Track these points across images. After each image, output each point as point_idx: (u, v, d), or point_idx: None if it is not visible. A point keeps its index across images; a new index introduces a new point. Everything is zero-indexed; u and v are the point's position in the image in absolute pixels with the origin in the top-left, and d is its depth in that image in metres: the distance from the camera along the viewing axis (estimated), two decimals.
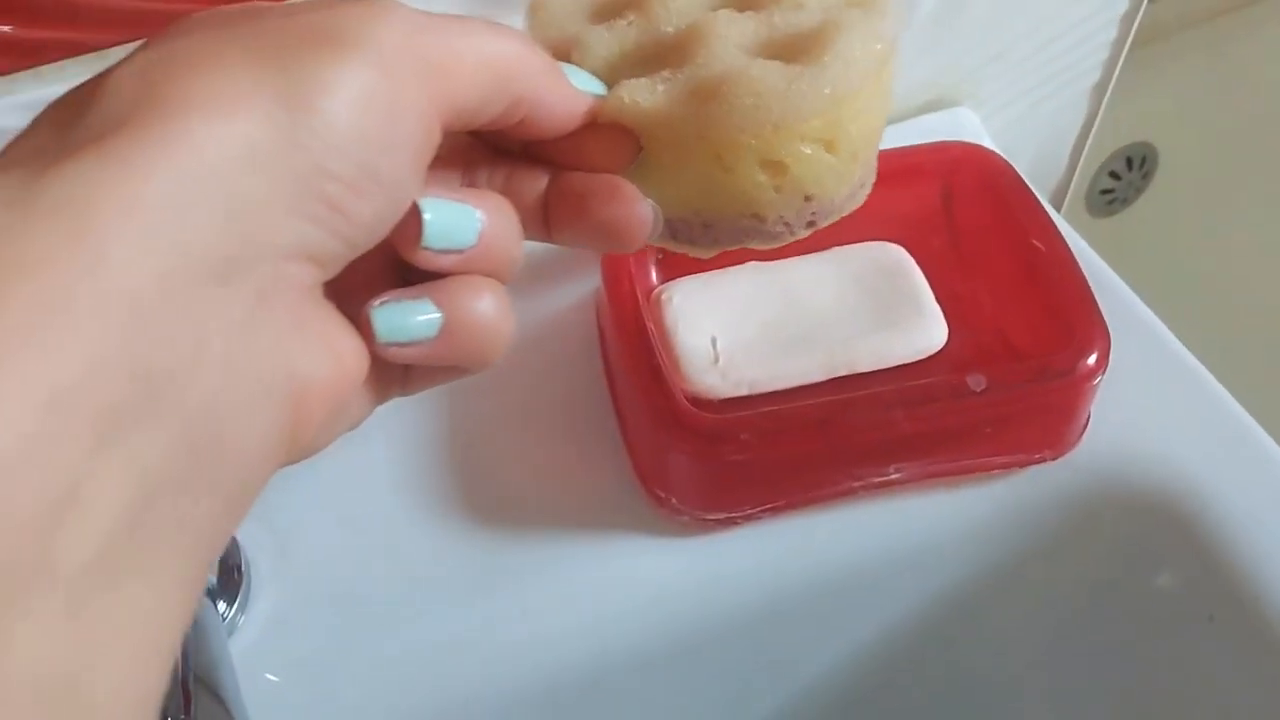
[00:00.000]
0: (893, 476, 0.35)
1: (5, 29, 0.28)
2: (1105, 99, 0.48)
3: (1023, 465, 0.36)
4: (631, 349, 0.35)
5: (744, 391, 0.35)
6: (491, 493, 0.36)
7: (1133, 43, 0.47)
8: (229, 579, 0.34)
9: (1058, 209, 0.56)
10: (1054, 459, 0.36)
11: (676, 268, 0.38)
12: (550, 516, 0.36)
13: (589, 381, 0.39)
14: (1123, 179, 0.74)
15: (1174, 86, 0.68)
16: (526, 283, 0.41)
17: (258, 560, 0.35)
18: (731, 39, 0.25)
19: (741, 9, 0.25)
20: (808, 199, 0.25)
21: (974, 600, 0.39)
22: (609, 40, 0.26)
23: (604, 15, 0.26)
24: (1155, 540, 0.36)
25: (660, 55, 0.25)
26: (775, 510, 0.35)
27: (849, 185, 0.26)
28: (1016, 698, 0.43)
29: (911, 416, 0.33)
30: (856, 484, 0.35)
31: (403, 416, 0.38)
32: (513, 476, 0.37)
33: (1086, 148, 0.53)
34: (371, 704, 0.33)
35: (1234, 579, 0.34)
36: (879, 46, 0.24)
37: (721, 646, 0.37)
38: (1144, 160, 0.74)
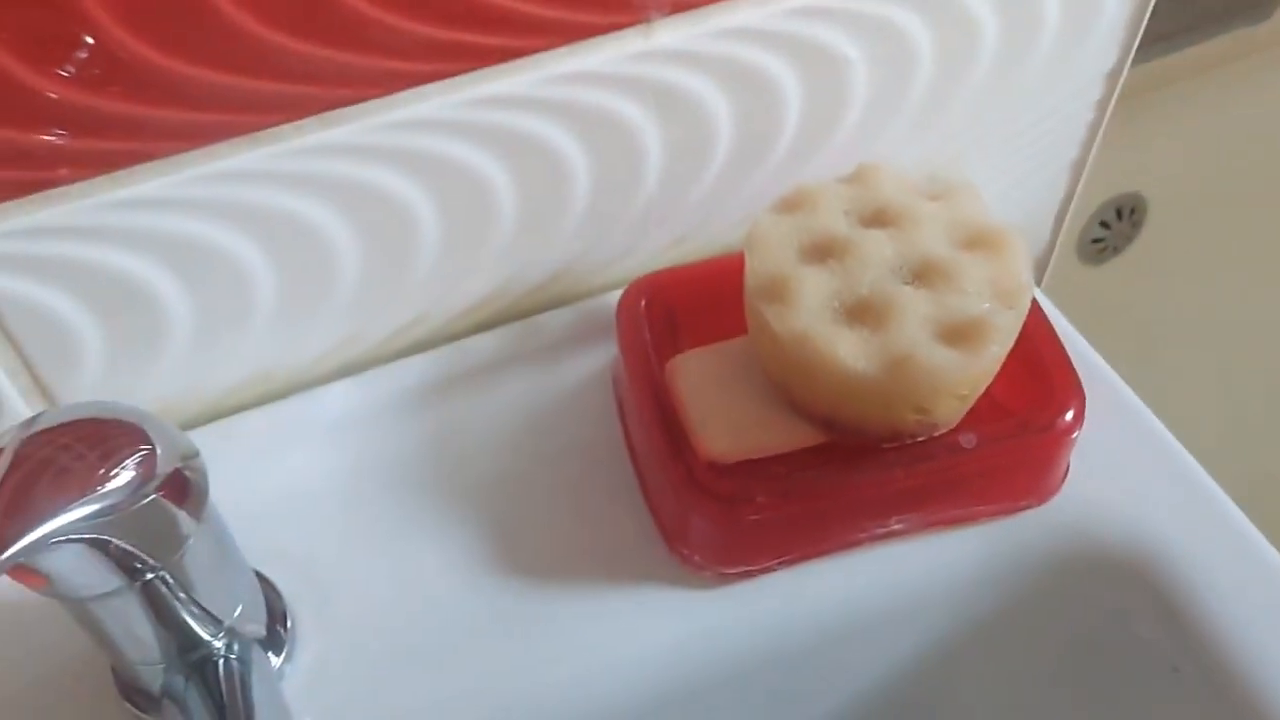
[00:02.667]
0: (894, 527, 0.39)
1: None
2: (1090, 160, 0.52)
3: (1009, 513, 0.40)
4: (652, 418, 0.38)
5: (756, 455, 0.38)
6: (524, 549, 0.39)
7: (1120, 95, 0.50)
8: (275, 632, 0.37)
9: (1045, 265, 0.59)
10: (1038, 505, 0.40)
11: (689, 339, 0.42)
12: (580, 571, 0.39)
13: (609, 447, 0.42)
14: (1112, 228, 0.77)
15: (1161, 138, 0.72)
16: (544, 355, 0.44)
17: (300, 612, 0.38)
18: (915, 316, 0.35)
19: (915, 276, 0.36)
20: (932, 425, 0.37)
21: (964, 643, 0.42)
22: (816, 283, 0.36)
23: (809, 257, 0.37)
24: (1123, 586, 0.39)
25: (858, 309, 0.35)
26: (789, 562, 0.38)
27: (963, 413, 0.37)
28: None
29: (911, 473, 0.37)
30: (862, 535, 0.38)
31: (439, 474, 0.41)
32: (543, 534, 0.40)
33: (1072, 208, 0.56)
34: None
35: (1195, 630, 0.37)
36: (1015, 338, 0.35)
37: (737, 687, 0.40)
38: (1133, 210, 0.78)
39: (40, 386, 0.38)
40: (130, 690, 0.35)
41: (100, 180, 0.33)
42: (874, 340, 0.35)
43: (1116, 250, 0.80)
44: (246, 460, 0.41)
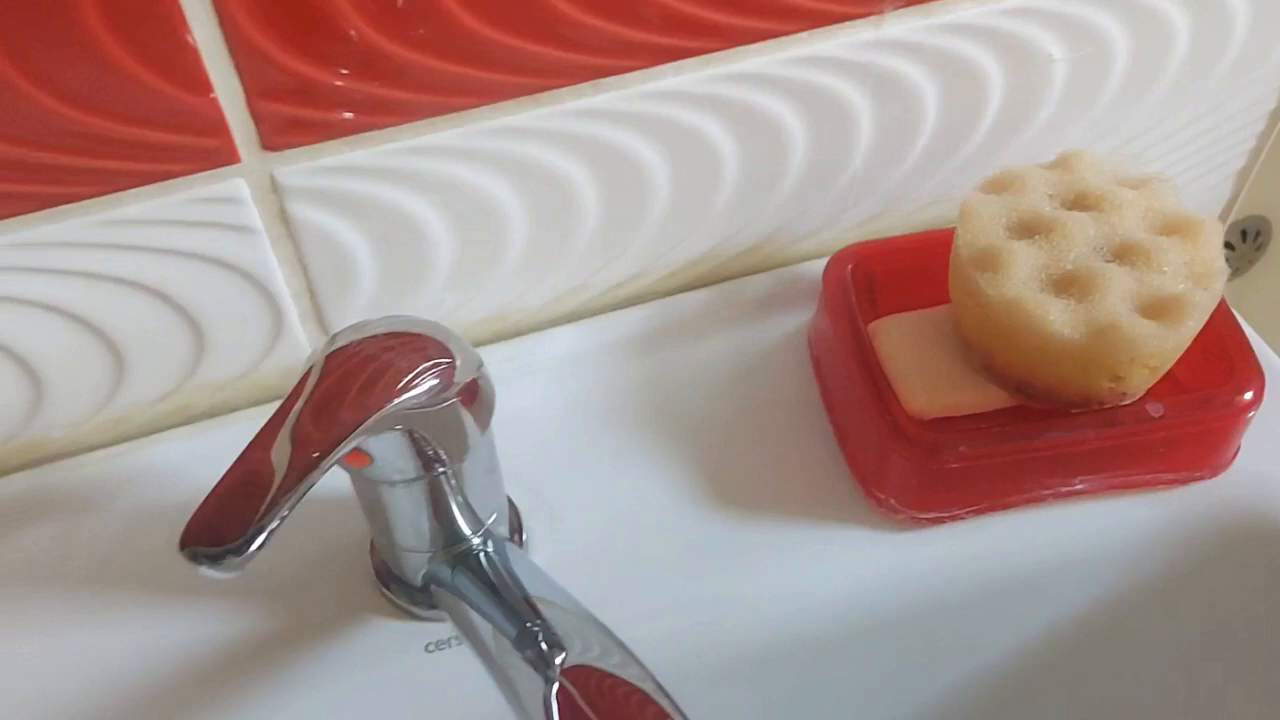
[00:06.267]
0: (1076, 487, 0.42)
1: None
2: (1255, 170, 0.55)
3: (1183, 482, 0.43)
4: (857, 371, 0.42)
5: (951, 414, 0.42)
6: (729, 487, 0.43)
7: None
8: (513, 542, 0.41)
9: None
10: (1210, 478, 0.43)
11: (885, 306, 0.45)
12: (780, 509, 0.43)
13: (804, 401, 0.46)
14: (1236, 249, 0.79)
15: None
16: (746, 315, 0.48)
17: (532, 527, 0.42)
18: (1118, 289, 0.38)
19: (1115, 256, 0.39)
20: (1123, 393, 0.40)
21: (1127, 606, 0.45)
22: (1025, 255, 0.39)
23: (1017, 232, 0.40)
24: None
25: (1064, 281, 0.39)
26: (977, 512, 0.42)
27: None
28: (1158, 704, 0.49)
29: (1100, 436, 0.40)
30: (1046, 492, 0.42)
31: (651, 415, 0.45)
32: (746, 475, 0.44)
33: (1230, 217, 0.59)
34: None
35: None
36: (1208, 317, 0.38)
37: (916, 628, 0.43)
38: (1258, 233, 0.79)
39: (317, 313, 0.43)
40: (389, 580, 0.40)
41: (404, 128, 0.38)
42: (1079, 309, 0.38)
43: (1238, 272, 0.81)
44: None
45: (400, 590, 0.40)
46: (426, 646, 0.39)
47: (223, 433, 0.44)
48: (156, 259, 0.38)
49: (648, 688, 0.27)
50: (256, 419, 0.44)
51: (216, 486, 0.28)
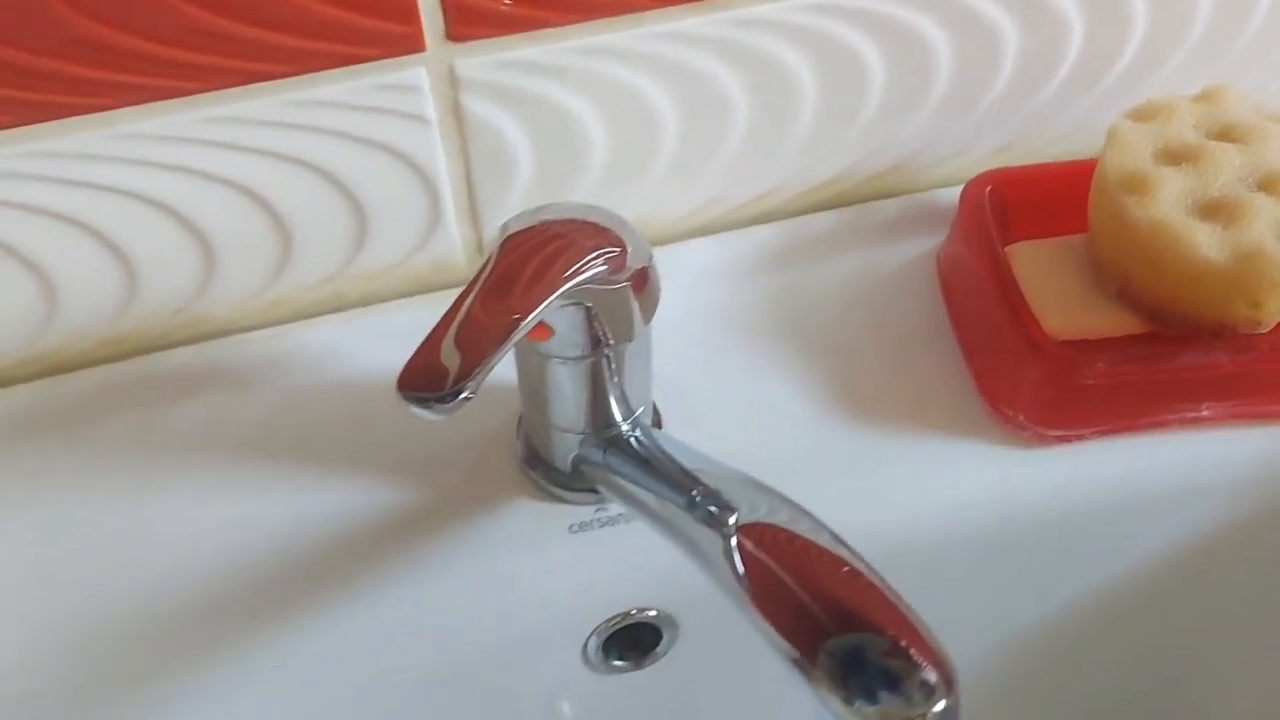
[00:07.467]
0: (1202, 413, 0.43)
1: None
2: None
3: None
4: (992, 290, 0.43)
5: (1082, 337, 0.43)
6: (859, 399, 0.44)
7: None
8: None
9: None
10: None
11: (1017, 233, 0.46)
12: (909, 422, 0.44)
13: (931, 322, 0.47)
14: None
15: None
16: (876, 236, 0.50)
17: (670, 426, 0.44)
18: (1264, 217, 0.39)
19: (1260, 186, 0.40)
20: (1258, 321, 0.41)
21: (1245, 536, 0.46)
22: (1172, 181, 0.40)
23: (1163, 159, 0.41)
24: None
25: (1210, 208, 0.40)
26: (1102, 433, 0.43)
27: None
28: (1263, 638, 0.50)
29: (1233, 361, 0.41)
30: (1171, 417, 0.43)
31: (782, 328, 0.46)
32: (875, 388, 0.45)
33: None
34: None
35: None
36: None
37: (1030, 545, 0.45)
38: None
39: (472, 208, 0.44)
40: (534, 463, 0.42)
41: (580, 26, 0.39)
42: (1225, 234, 0.39)
43: None
44: None
45: (546, 473, 0.41)
46: (570, 527, 0.41)
47: (373, 320, 0.46)
48: (336, 143, 0.40)
49: (823, 539, 0.29)
50: (405, 309, 0.47)
51: (428, 338, 0.30)
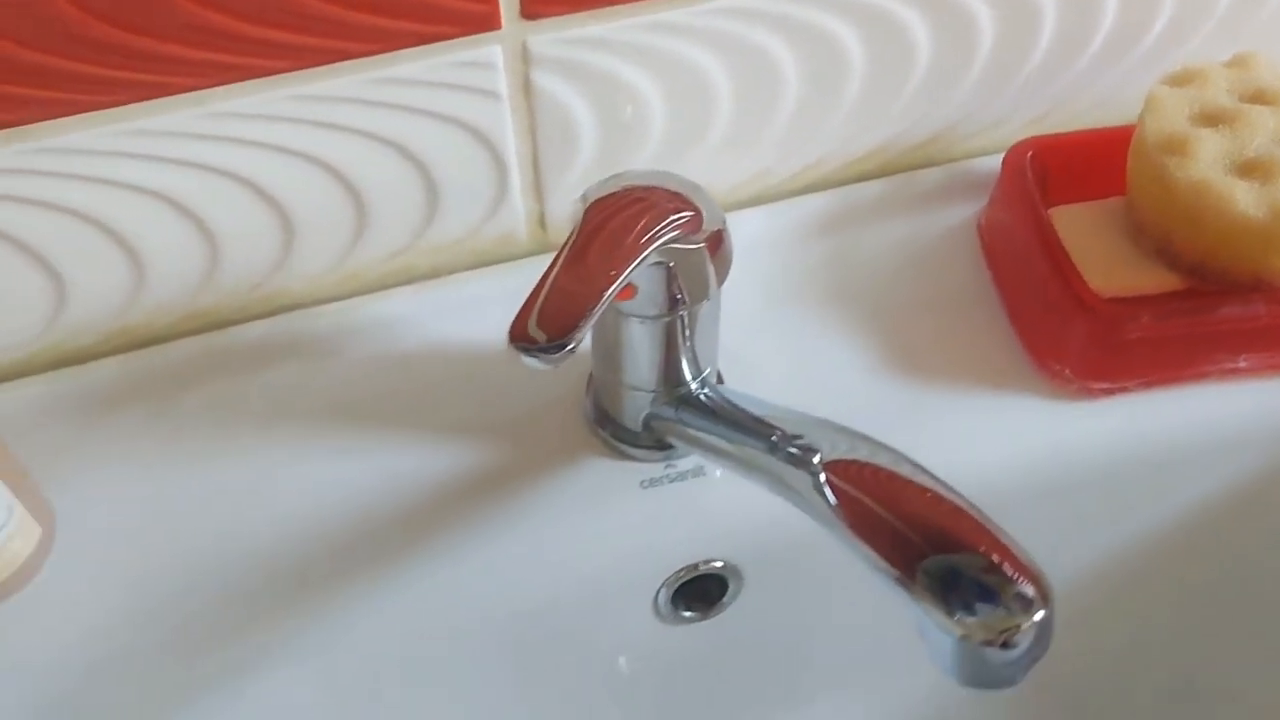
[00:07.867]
0: (1240, 364, 0.45)
1: None
2: None
3: None
4: (1036, 249, 0.45)
5: (1124, 294, 0.45)
6: (908, 358, 0.46)
7: None
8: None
9: None
10: None
11: (1056, 197, 0.48)
12: (957, 379, 0.46)
13: (975, 285, 0.49)
14: None
15: None
16: (919, 204, 0.52)
17: (729, 382, 0.46)
18: None
19: None
20: None
21: (1267, 489, 0.49)
22: (1211, 143, 0.42)
23: (1200, 122, 0.43)
24: None
25: (1247, 166, 0.42)
26: (1145, 385, 0.45)
27: None
28: None
29: (1271, 312, 0.43)
30: (1211, 368, 0.45)
31: (831, 292, 0.48)
32: (922, 348, 0.47)
33: None
34: None
35: None
36: None
37: (1074, 496, 0.46)
38: None
39: (536, 182, 0.46)
40: (604, 422, 0.44)
41: (644, 3, 0.41)
42: (1262, 191, 0.41)
43: None
44: None
45: (615, 431, 0.43)
46: (641, 483, 0.43)
47: (442, 292, 0.48)
48: (412, 119, 0.42)
49: (904, 469, 0.31)
50: (471, 281, 0.49)
51: (532, 295, 0.32)
